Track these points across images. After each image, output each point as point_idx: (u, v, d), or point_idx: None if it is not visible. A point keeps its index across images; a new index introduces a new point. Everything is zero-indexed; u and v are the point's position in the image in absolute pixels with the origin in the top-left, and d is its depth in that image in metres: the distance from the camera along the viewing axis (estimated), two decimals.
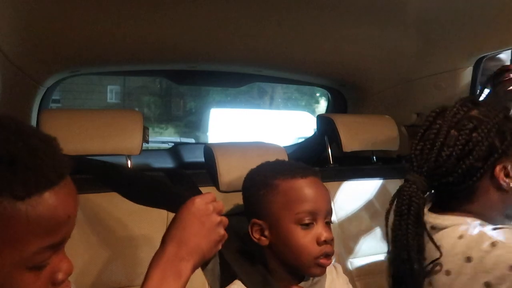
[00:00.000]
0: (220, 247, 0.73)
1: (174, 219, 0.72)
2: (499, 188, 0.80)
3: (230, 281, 0.91)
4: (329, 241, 0.82)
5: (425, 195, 0.85)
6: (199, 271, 1.02)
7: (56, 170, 0.50)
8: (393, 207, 0.86)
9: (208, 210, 0.71)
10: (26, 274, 0.49)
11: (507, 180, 0.80)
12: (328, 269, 0.92)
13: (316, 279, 0.90)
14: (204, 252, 0.70)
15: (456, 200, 0.86)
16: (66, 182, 0.52)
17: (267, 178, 0.87)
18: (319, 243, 0.82)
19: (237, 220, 1.09)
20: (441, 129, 0.81)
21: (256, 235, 0.87)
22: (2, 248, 0.47)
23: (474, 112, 0.82)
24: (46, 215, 0.48)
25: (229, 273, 0.94)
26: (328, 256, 0.83)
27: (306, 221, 0.82)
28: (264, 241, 0.87)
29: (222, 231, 0.73)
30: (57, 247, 0.52)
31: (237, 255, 0.93)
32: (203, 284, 1.01)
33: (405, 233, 0.83)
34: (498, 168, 0.80)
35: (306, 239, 0.82)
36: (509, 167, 0.80)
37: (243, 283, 0.88)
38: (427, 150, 0.82)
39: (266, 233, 0.86)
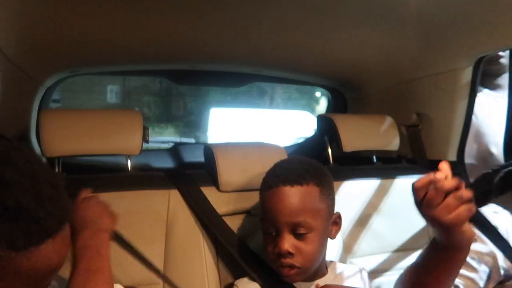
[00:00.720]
0: None
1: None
2: None
3: (239, 276, 0.93)
4: (283, 254, 0.82)
5: None
6: (198, 271, 1.02)
7: (59, 219, 0.49)
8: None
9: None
10: None
11: None
12: (352, 270, 0.96)
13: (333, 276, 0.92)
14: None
15: None
16: (64, 228, 0.51)
17: (261, 187, 0.91)
18: (274, 253, 0.84)
19: (237, 219, 1.10)
20: None
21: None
22: None
23: None
24: (37, 267, 0.47)
25: (236, 270, 0.95)
26: (286, 267, 0.84)
27: (271, 232, 0.85)
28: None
29: None
30: None
31: (241, 254, 0.94)
32: (203, 284, 1.01)
33: None
34: None
35: (270, 249, 0.85)
36: None
37: (251, 279, 0.90)
38: None
39: None
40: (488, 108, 1.65)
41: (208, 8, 1.12)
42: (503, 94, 1.65)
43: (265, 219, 0.86)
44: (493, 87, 1.71)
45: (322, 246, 0.88)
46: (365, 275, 0.97)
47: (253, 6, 1.11)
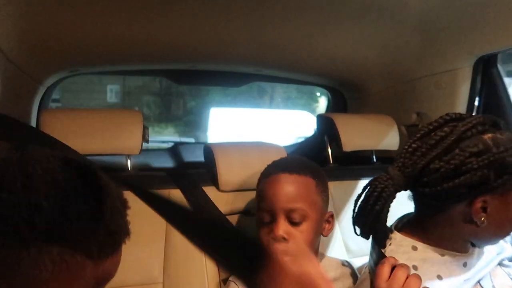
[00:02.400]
0: None
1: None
2: (470, 220, 0.74)
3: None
4: (277, 239, 0.83)
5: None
6: (198, 271, 1.02)
7: (126, 232, 0.52)
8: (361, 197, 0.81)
9: None
10: None
11: (481, 215, 0.73)
12: (338, 264, 0.97)
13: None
14: None
15: (418, 216, 0.83)
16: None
17: (259, 177, 0.94)
18: (268, 240, 0.85)
19: (237, 219, 1.10)
20: (445, 139, 0.73)
21: None
22: None
23: (487, 136, 0.73)
24: (99, 276, 0.49)
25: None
26: None
27: (266, 220, 0.86)
28: None
29: None
30: None
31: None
32: (203, 284, 1.01)
33: (361, 222, 0.81)
34: (479, 200, 0.73)
35: (266, 237, 0.86)
36: (488, 203, 0.73)
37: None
38: (419, 153, 0.75)
39: None
40: None
41: (208, 8, 1.12)
42: None
43: (261, 207, 0.88)
44: None
45: (314, 240, 0.89)
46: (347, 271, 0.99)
47: (253, 5, 1.11)
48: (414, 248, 0.80)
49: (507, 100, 1.37)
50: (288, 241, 0.82)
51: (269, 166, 0.94)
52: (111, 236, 0.48)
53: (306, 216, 0.85)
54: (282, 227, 0.84)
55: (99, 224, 0.46)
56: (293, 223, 0.84)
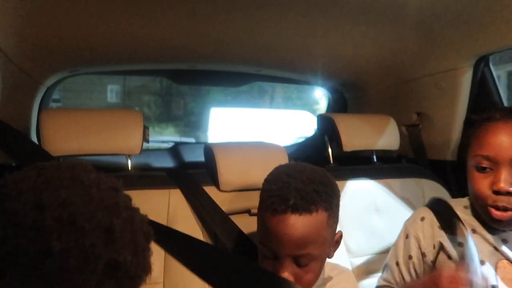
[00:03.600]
0: None
1: None
2: None
3: None
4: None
5: None
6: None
7: (146, 271, 0.48)
8: None
9: None
10: None
11: None
12: (338, 270, 0.94)
13: (321, 282, 0.90)
14: None
15: None
16: None
17: (260, 202, 0.84)
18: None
19: (237, 219, 1.10)
20: None
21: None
22: None
23: None
24: None
25: None
26: None
27: (268, 255, 0.80)
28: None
29: None
30: None
31: (243, 252, 0.94)
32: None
33: None
34: None
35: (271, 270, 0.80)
36: None
37: None
38: None
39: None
40: None
41: (208, 8, 1.12)
42: None
43: (264, 243, 0.80)
44: None
45: (321, 269, 0.84)
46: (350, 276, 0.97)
47: (253, 6, 1.11)
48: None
49: (499, 99, 1.37)
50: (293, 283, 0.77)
51: (274, 196, 0.78)
52: (132, 279, 0.43)
53: (315, 257, 0.78)
54: (288, 270, 0.77)
55: (118, 271, 0.41)
56: (300, 265, 0.78)
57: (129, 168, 1.17)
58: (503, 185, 0.84)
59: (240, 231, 0.99)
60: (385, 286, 1.04)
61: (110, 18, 1.15)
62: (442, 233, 0.95)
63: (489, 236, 0.92)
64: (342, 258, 1.16)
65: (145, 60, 1.60)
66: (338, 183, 1.27)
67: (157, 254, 1.01)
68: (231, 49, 1.48)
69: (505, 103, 1.38)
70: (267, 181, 0.84)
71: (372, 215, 1.27)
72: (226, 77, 1.89)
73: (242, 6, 1.11)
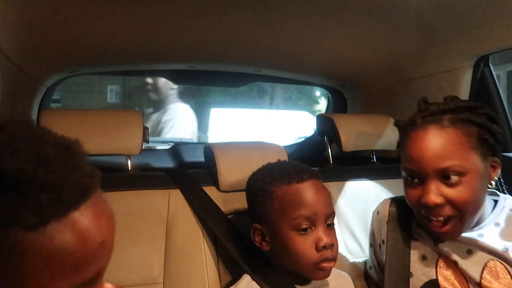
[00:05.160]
0: None
1: None
2: None
3: (239, 276, 0.92)
4: (328, 246, 0.80)
5: None
6: (198, 271, 1.02)
7: (79, 186, 0.40)
8: None
9: None
10: None
11: None
12: (335, 274, 0.93)
13: (320, 283, 0.90)
14: None
15: None
16: (94, 199, 0.41)
17: (264, 185, 0.85)
18: (318, 248, 0.80)
19: (237, 219, 1.10)
20: None
21: (258, 239, 0.88)
22: None
23: None
24: (69, 247, 0.38)
25: (237, 269, 0.95)
26: (329, 260, 0.82)
27: (304, 226, 0.80)
28: (265, 246, 0.87)
29: None
30: (91, 283, 0.41)
31: (243, 252, 0.94)
32: (203, 284, 1.01)
33: None
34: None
35: (305, 245, 0.80)
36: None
37: (251, 277, 0.89)
38: None
39: (267, 238, 0.86)
40: None
41: (208, 9, 1.12)
42: None
43: (295, 216, 0.81)
44: None
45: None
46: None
47: (253, 6, 1.11)
48: None
49: (498, 98, 1.37)
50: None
51: (283, 172, 0.85)
52: (49, 193, 0.36)
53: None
54: (332, 232, 0.82)
55: (21, 184, 0.35)
56: (329, 226, 0.82)
57: (129, 168, 1.17)
58: (431, 198, 0.80)
59: (240, 231, 0.99)
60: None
61: (110, 18, 1.15)
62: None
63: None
64: (343, 259, 1.16)
65: (145, 60, 1.60)
66: (338, 183, 1.28)
67: (157, 254, 1.02)
68: (231, 49, 1.48)
69: (505, 103, 1.38)
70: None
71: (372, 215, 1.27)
72: (226, 77, 1.89)
73: (243, 6, 1.11)
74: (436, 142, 0.81)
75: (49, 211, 0.37)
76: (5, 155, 0.36)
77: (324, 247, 0.80)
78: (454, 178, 0.79)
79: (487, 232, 0.86)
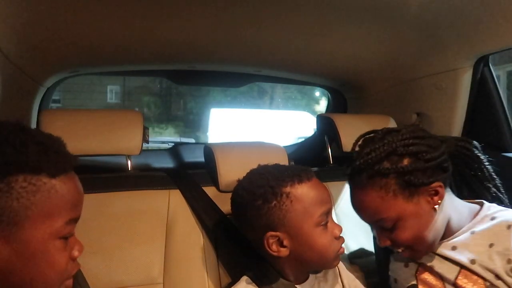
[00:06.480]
0: None
1: None
2: None
3: (239, 277, 0.91)
4: (341, 233, 0.87)
5: None
6: (198, 271, 1.02)
7: (69, 161, 0.63)
8: None
9: None
10: (57, 242, 0.59)
11: None
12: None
13: (316, 280, 0.91)
14: None
15: None
16: (74, 174, 0.64)
17: (275, 188, 0.82)
18: (336, 237, 0.85)
19: None
20: None
21: (275, 248, 0.84)
22: (43, 220, 0.57)
23: None
24: (72, 191, 0.61)
25: (237, 269, 0.95)
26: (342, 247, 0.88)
27: (323, 222, 0.84)
28: (284, 252, 0.84)
29: None
30: (76, 222, 0.63)
31: (242, 252, 0.94)
32: (203, 284, 1.01)
33: None
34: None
35: (327, 238, 0.84)
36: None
37: (251, 279, 0.89)
38: None
39: (286, 243, 0.83)
40: None
41: (208, 9, 1.12)
42: None
43: (319, 213, 0.84)
44: None
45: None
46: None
47: (253, 6, 1.11)
48: None
49: (498, 98, 1.37)
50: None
51: (288, 173, 0.86)
52: (61, 156, 0.61)
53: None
54: (380, 236, 0.88)
55: (47, 149, 0.59)
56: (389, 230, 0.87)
57: (129, 169, 1.17)
58: (381, 242, 0.89)
59: (239, 232, 0.99)
60: None
61: (110, 18, 1.15)
62: None
63: None
64: (342, 259, 1.16)
65: (145, 61, 1.60)
66: (338, 183, 1.28)
67: (157, 254, 1.02)
68: (231, 50, 1.48)
69: (505, 103, 1.38)
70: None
71: None
72: (226, 78, 1.89)
73: (243, 6, 1.11)
74: (361, 202, 0.88)
75: (61, 168, 0.60)
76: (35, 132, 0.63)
77: (340, 235, 0.86)
78: (389, 225, 0.86)
79: (461, 242, 0.89)
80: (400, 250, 0.89)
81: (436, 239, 0.88)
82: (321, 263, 0.88)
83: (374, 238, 1.03)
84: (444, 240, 0.90)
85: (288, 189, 0.82)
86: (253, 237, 0.87)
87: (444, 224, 0.88)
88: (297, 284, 0.88)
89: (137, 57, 1.51)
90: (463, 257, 0.87)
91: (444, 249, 0.90)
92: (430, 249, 0.90)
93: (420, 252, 0.89)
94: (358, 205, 0.89)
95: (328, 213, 0.85)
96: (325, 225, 0.84)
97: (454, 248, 0.89)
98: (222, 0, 1.08)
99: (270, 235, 0.83)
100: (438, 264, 0.90)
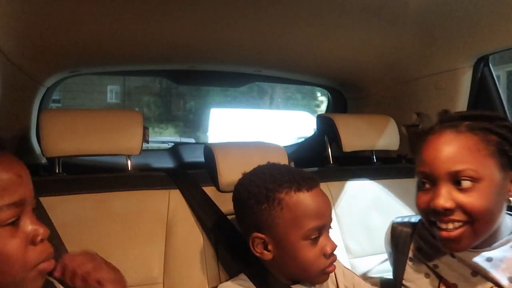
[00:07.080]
0: None
1: None
2: None
3: (236, 274, 0.92)
4: (333, 251, 0.82)
5: None
6: (198, 271, 1.02)
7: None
8: None
9: None
10: (1, 230, 0.57)
11: None
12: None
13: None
14: None
15: None
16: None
17: (269, 191, 0.81)
18: (326, 255, 0.80)
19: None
20: None
21: (258, 249, 0.83)
22: None
23: None
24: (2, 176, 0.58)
25: (236, 269, 0.95)
26: (333, 264, 0.83)
27: (314, 236, 0.80)
28: (268, 255, 0.83)
29: None
30: (20, 207, 0.59)
31: (242, 252, 0.94)
32: (203, 284, 1.01)
33: None
34: None
35: (314, 253, 0.80)
36: None
37: (248, 277, 0.89)
38: None
39: (270, 247, 0.82)
40: None
41: (208, 9, 1.12)
42: None
43: (308, 227, 0.80)
44: None
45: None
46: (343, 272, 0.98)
47: (254, 6, 1.11)
48: None
49: (498, 98, 1.37)
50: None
51: (289, 178, 0.82)
52: None
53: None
54: (330, 238, 0.82)
55: None
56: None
57: (129, 169, 1.17)
58: (440, 202, 0.75)
59: (238, 232, 1.00)
60: None
61: (110, 18, 1.15)
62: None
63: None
64: (342, 259, 1.16)
65: (145, 60, 1.60)
66: (338, 183, 1.28)
67: (157, 254, 1.02)
68: (231, 50, 1.48)
69: (505, 103, 1.38)
70: None
71: (372, 215, 1.27)
72: (226, 78, 1.89)
73: (243, 7, 1.11)
74: (450, 145, 0.78)
75: None
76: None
77: (331, 253, 0.81)
78: (466, 183, 0.75)
79: (498, 254, 0.79)
80: (450, 226, 0.76)
81: (487, 234, 0.78)
82: (305, 277, 0.85)
83: (389, 254, 0.97)
84: (479, 249, 0.79)
85: (282, 195, 0.80)
86: (245, 234, 0.88)
87: (497, 226, 0.79)
88: (291, 284, 0.88)
89: (137, 57, 1.51)
90: (499, 274, 0.77)
91: (477, 259, 0.79)
92: (477, 241, 0.78)
93: (474, 234, 0.76)
94: (443, 150, 0.77)
95: (322, 228, 0.81)
96: (315, 239, 0.80)
97: (489, 259, 0.79)
98: (222, 1, 1.08)
99: (256, 236, 0.83)
100: (462, 284, 0.81)
